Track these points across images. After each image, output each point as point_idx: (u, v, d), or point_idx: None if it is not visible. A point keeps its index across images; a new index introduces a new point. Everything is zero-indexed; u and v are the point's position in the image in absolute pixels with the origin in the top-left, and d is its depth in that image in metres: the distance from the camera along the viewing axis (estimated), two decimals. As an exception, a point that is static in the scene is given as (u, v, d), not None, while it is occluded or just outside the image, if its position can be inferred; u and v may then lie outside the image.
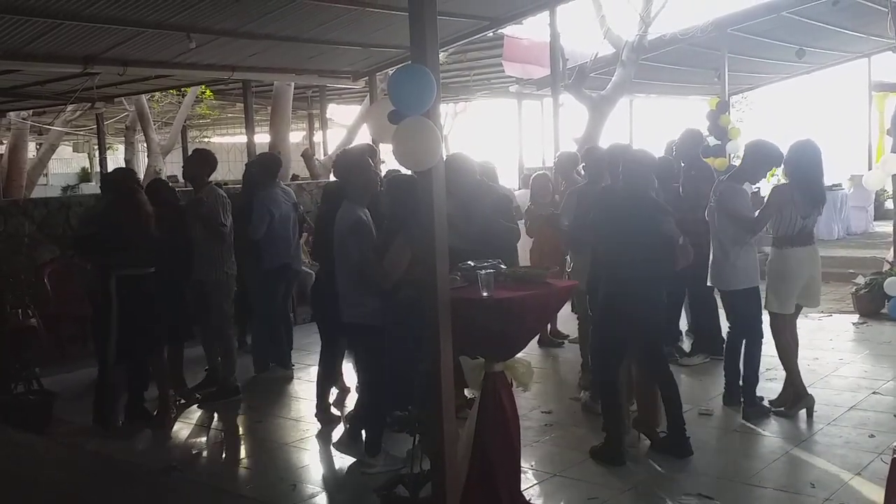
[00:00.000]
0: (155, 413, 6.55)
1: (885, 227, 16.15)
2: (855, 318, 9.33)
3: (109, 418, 6.38)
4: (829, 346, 8.18)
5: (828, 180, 15.63)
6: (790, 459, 5.32)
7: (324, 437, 6.10)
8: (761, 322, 6.18)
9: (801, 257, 5.97)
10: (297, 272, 7.87)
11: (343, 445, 5.66)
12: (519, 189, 10.52)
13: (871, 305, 9.38)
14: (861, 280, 9.63)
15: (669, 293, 5.87)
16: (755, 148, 6.31)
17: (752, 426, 5.94)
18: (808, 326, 9.02)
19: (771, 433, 5.81)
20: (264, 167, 7.83)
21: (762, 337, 6.21)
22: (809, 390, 6.56)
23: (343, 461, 5.65)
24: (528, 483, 5.03)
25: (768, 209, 6.00)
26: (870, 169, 16.69)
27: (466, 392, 5.67)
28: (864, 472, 5.06)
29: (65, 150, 28.18)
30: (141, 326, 6.22)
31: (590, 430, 5.95)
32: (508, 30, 13.36)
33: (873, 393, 6.57)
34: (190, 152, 9.14)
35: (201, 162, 7.12)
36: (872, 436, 5.63)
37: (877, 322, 9.11)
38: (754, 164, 6.27)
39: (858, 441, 5.56)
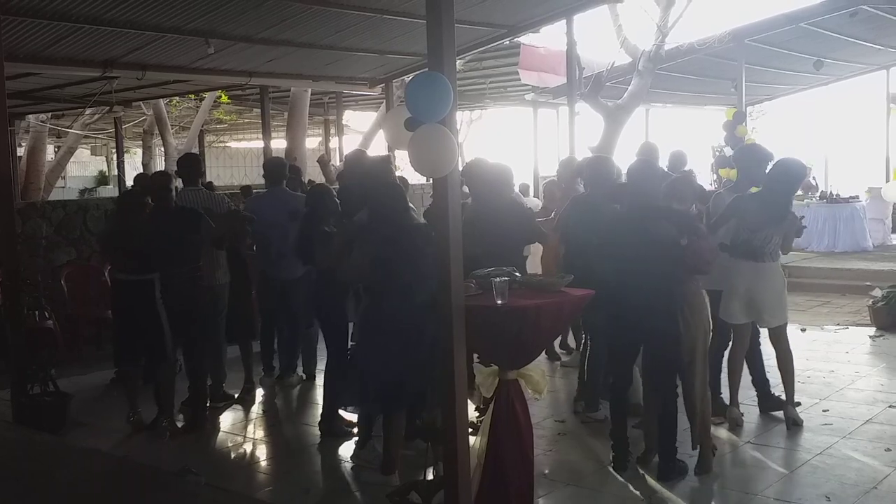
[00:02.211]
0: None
1: (902, 239, 16.10)
2: (871, 330, 9.25)
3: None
4: (845, 358, 8.12)
5: (845, 193, 15.74)
6: (805, 472, 5.28)
7: (337, 441, 6.10)
8: (719, 326, 6.10)
9: (739, 270, 5.91)
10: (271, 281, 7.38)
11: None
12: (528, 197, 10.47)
13: (887, 318, 9.31)
14: (878, 293, 9.55)
15: None
16: (743, 152, 6.53)
17: (765, 440, 5.91)
18: (824, 339, 9.00)
19: (786, 445, 5.77)
20: (264, 171, 7.81)
21: (718, 342, 6.08)
22: (825, 403, 6.61)
23: (358, 466, 5.65)
24: (541, 492, 5.01)
25: (720, 216, 6.05)
26: (888, 181, 16.62)
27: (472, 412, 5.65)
28: (880, 486, 5.02)
29: (83, 153, 28.38)
30: (142, 330, 6.23)
31: (604, 440, 5.92)
32: (525, 38, 13.39)
33: (889, 406, 6.52)
34: (207, 157, 9.14)
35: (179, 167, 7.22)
36: (888, 450, 5.58)
37: (893, 335, 9.02)
38: (748, 167, 6.34)
39: (874, 454, 5.52)
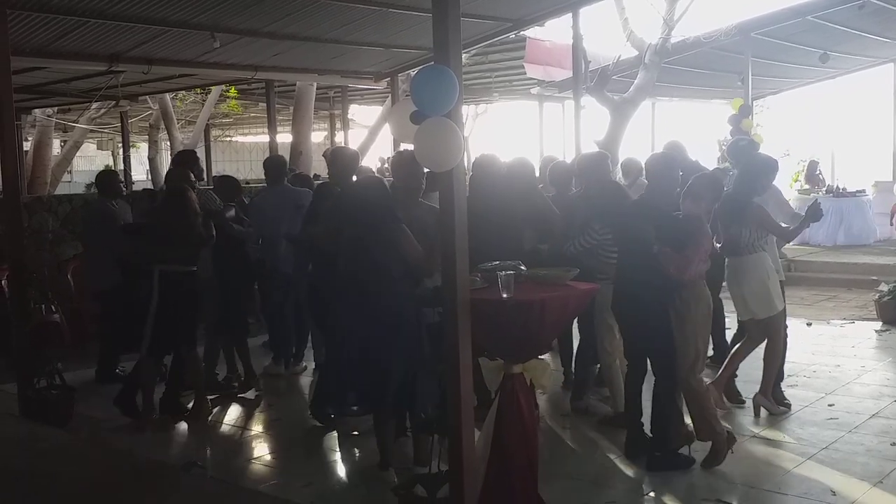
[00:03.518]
0: (190, 407, 6.66)
1: (909, 233, 16.04)
2: (878, 325, 9.24)
3: (136, 408, 6.47)
4: (852, 353, 8.11)
5: (851, 187, 15.71)
6: (811, 467, 5.28)
7: (342, 434, 6.12)
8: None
9: (726, 267, 6.20)
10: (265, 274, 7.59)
11: None
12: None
13: (894, 312, 9.28)
14: (884, 287, 9.53)
15: None
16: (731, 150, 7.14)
17: (771, 435, 5.91)
18: (829, 333, 8.99)
19: (792, 440, 5.77)
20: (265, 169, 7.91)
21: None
22: (831, 397, 6.61)
23: (361, 459, 5.67)
24: (546, 485, 5.00)
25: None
26: (894, 175, 16.56)
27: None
28: (885, 480, 5.01)
29: (89, 147, 28.42)
30: (180, 321, 6.31)
31: (608, 433, 5.93)
32: (531, 32, 13.35)
33: (895, 401, 6.51)
34: (213, 151, 9.16)
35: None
36: (895, 444, 5.57)
37: (900, 330, 9.02)
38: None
39: (880, 449, 5.51)
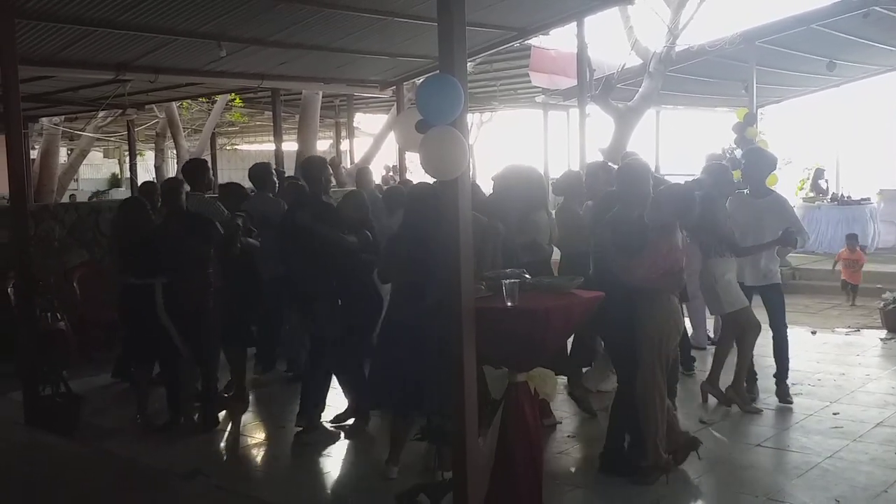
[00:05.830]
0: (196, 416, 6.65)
1: (914, 242, 16.01)
2: (883, 333, 9.21)
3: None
4: (857, 361, 8.10)
5: (857, 195, 15.67)
6: (815, 475, 5.26)
7: (345, 443, 6.13)
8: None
9: None
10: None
11: None
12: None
13: (899, 321, 9.28)
14: (889, 295, 9.52)
15: None
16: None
17: (775, 443, 5.91)
18: (834, 341, 8.98)
19: (796, 448, 5.76)
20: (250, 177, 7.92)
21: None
22: (836, 406, 6.60)
23: (364, 468, 5.68)
24: (550, 494, 5.00)
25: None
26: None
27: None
28: (890, 489, 5.00)
29: (95, 155, 28.53)
30: (149, 332, 6.33)
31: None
32: (535, 40, 13.38)
33: (901, 410, 6.51)
34: (218, 159, 9.16)
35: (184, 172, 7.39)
36: (899, 453, 5.57)
37: (905, 338, 9.00)
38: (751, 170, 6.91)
39: (885, 458, 5.50)
